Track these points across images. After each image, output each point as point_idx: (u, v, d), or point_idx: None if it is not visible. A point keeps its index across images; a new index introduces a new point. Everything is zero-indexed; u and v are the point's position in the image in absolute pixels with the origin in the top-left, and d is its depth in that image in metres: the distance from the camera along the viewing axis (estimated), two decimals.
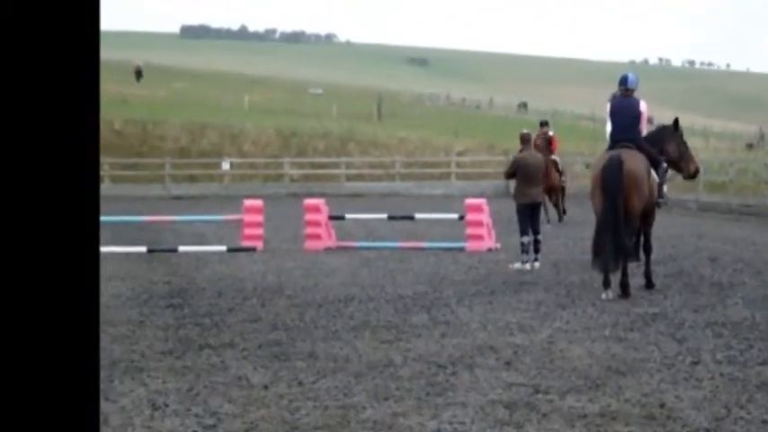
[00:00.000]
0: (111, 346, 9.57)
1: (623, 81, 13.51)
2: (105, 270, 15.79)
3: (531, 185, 16.10)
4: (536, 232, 16.07)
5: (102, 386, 7.93)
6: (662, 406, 7.27)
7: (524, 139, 16.47)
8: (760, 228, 23.69)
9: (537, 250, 15.93)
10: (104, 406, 7.34)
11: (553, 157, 23.98)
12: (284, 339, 9.96)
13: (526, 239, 15.86)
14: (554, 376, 8.22)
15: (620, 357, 8.97)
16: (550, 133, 24.41)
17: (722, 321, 10.83)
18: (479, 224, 18.72)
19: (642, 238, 13.73)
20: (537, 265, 15.73)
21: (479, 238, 18.57)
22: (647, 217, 13.53)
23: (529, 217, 16.12)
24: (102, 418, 7.04)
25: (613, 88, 13.75)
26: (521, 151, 16.43)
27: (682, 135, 14.43)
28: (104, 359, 8.92)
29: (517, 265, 15.69)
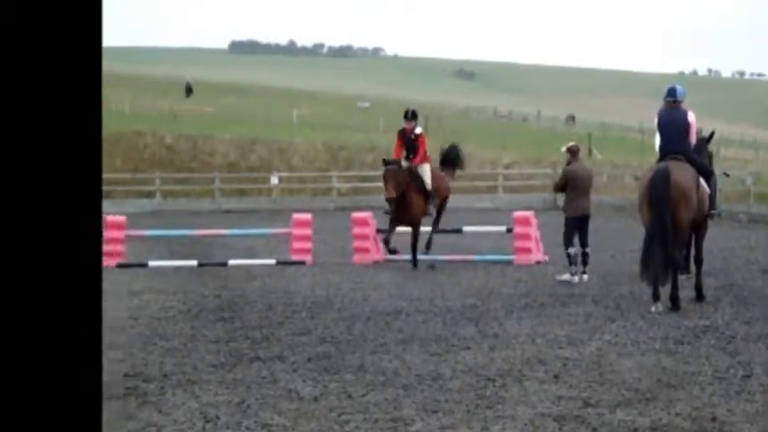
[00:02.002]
0: (163, 359, 9.68)
1: (671, 92, 13.43)
2: (156, 284, 15.98)
3: (581, 198, 16.05)
4: (584, 245, 16.00)
5: (155, 398, 8.05)
6: (714, 419, 7.22)
7: (573, 152, 16.42)
8: None
9: (585, 263, 15.86)
10: (157, 418, 7.44)
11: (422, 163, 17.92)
12: (333, 352, 10.02)
13: (573, 251, 15.79)
14: (604, 389, 8.20)
15: (671, 370, 8.92)
16: (418, 130, 18.02)
17: None
18: (527, 237, 18.68)
19: (693, 250, 13.63)
20: (585, 277, 15.65)
21: (527, 250, 18.53)
22: (698, 229, 13.44)
23: (578, 229, 16.06)
24: (155, 431, 7.14)
25: (662, 100, 13.67)
26: (569, 163, 16.38)
27: (707, 148, 14.41)
28: (157, 372, 9.05)
29: (565, 277, 15.63)
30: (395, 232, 17.90)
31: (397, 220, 17.68)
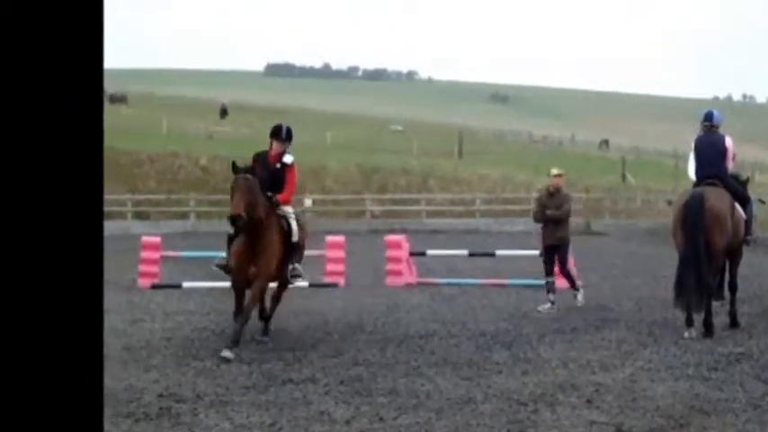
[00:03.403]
0: (196, 379, 9.75)
1: (708, 117, 13.41)
2: (189, 305, 16.07)
3: (556, 225, 15.49)
4: (549, 273, 15.55)
5: (188, 419, 8.11)
6: None
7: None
8: None
9: (551, 291, 15.45)
10: None
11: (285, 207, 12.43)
12: (365, 375, 10.04)
13: (550, 279, 15.49)
14: (636, 415, 8.17)
15: (704, 397, 8.88)
16: (288, 159, 12.43)
17: None
18: None
19: (727, 276, 13.56)
20: (546, 307, 15.25)
21: (559, 275, 18.47)
22: (733, 255, 13.37)
23: (553, 256, 15.60)
24: None
25: (696, 125, 13.65)
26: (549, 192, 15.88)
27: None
28: (190, 392, 9.11)
29: (546, 306, 15.30)
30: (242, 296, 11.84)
31: (242, 255, 11.64)
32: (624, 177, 53.16)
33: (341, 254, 19.71)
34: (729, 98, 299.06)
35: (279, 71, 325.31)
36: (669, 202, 32.12)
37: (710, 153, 13.16)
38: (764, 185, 48.44)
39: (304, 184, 46.84)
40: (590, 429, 7.69)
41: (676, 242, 12.91)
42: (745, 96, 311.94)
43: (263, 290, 12.23)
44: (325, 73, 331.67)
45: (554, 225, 15.44)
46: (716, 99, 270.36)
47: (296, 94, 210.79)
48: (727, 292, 13.49)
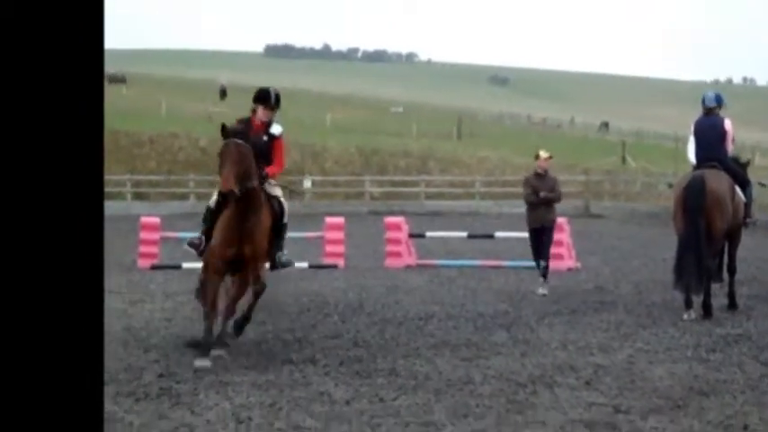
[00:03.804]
0: (196, 359, 9.76)
1: (708, 99, 13.43)
2: (190, 286, 16.07)
3: (541, 208, 15.29)
4: (543, 257, 15.30)
5: (188, 399, 8.13)
6: (745, 428, 7.21)
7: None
8: None
9: (544, 276, 15.22)
10: (190, 419, 7.52)
11: None
12: (365, 356, 10.06)
13: (541, 262, 15.24)
14: (635, 396, 8.20)
15: (703, 378, 8.91)
16: (276, 130, 10.57)
17: None
18: (559, 243, 18.64)
19: (726, 259, 13.58)
20: (541, 291, 15.06)
21: (559, 257, 18.50)
22: (732, 237, 13.39)
23: (538, 240, 15.36)
24: (188, 431, 7.21)
25: (697, 107, 13.65)
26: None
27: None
28: (190, 373, 9.13)
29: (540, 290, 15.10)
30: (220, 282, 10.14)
31: (231, 231, 9.73)
32: (624, 160, 53.17)
33: (340, 235, 19.72)
34: (730, 81, 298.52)
35: (278, 52, 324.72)
36: (669, 185, 32.12)
37: (710, 136, 13.16)
38: (764, 168, 48.42)
39: (304, 165, 46.85)
40: (588, 410, 7.71)
41: (676, 225, 12.92)
42: (745, 79, 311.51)
43: (260, 275, 10.08)
44: (325, 54, 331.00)
45: (545, 207, 15.31)
46: (716, 82, 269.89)
47: (295, 75, 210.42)
48: (725, 275, 13.52)
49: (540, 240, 15.36)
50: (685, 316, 12.36)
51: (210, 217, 10.11)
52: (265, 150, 10.24)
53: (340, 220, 20.29)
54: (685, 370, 9.29)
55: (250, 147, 9.61)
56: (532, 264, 15.71)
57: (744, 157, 15.53)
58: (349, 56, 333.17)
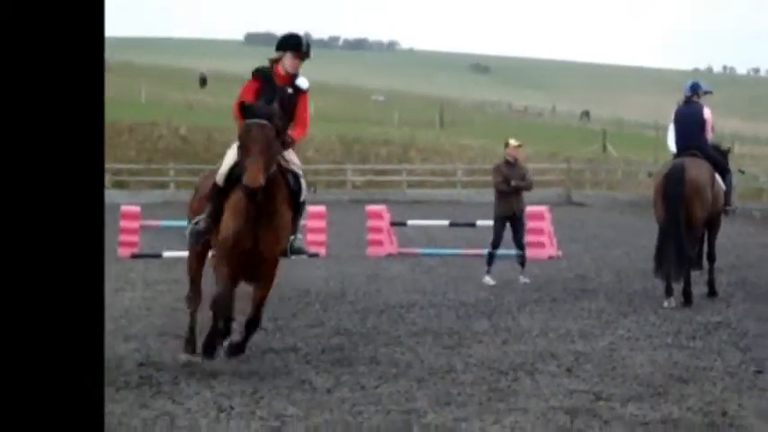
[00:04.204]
0: (177, 348, 9.73)
1: (684, 88, 13.54)
2: (169, 274, 16.04)
3: (510, 196, 15.14)
4: (518, 246, 15.25)
5: (169, 388, 8.11)
6: (724, 414, 7.24)
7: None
8: None
9: (522, 264, 15.24)
10: (171, 407, 7.50)
11: None
12: (347, 344, 10.06)
13: (494, 252, 15.15)
14: (615, 383, 8.23)
15: (683, 365, 8.95)
16: (303, 83, 9.11)
17: None
18: (541, 232, 18.71)
19: (706, 246, 13.64)
20: (523, 279, 15.08)
21: (541, 245, 18.55)
22: (711, 225, 13.44)
23: (510, 229, 15.24)
24: (169, 420, 7.19)
25: (677, 96, 13.71)
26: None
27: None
28: (171, 361, 9.10)
29: (486, 279, 15.05)
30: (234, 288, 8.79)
31: (246, 221, 8.25)
32: (605, 148, 53.30)
33: (322, 224, 19.71)
34: (710, 69, 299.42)
35: (259, 40, 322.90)
36: (650, 174, 32.25)
37: (690, 124, 13.21)
38: (744, 156, 48.66)
39: None
40: (570, 397, 7.73)
41: (657, 213, 12.97)
42: (725, 68, 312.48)
43: (266, 294, 8.88)
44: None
45: (515, 196, 15.18)
46: (696, 70, 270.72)
47: None
48: (705, 262, 13.57)
49: (503, 229, 15.26)
50: (666, 303, 12.41)
51: (217, 197, 8.49)
52: (289, 107, 8.78)
53: (321, 208, 20.27)
54: (665, 357, 9.33)
55: (274, 129, 8.12)
56: (513, 252, 15.72)
57: (724, 146, 15.59)
58: (330, 44, 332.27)
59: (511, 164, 15.31)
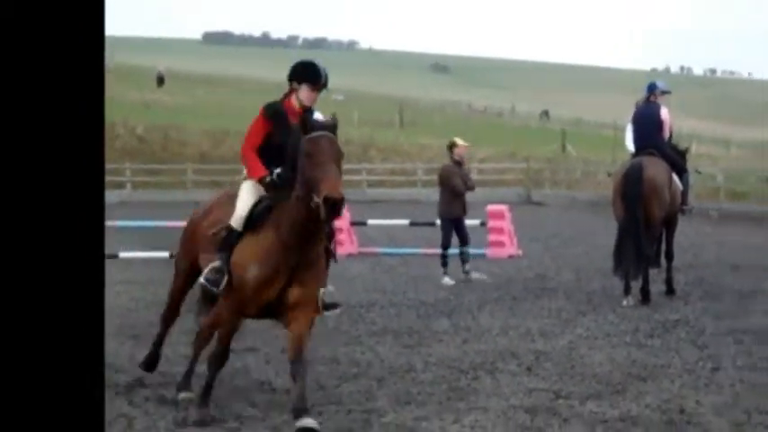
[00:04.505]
0: (134, 350, 9.65)
1: (650, 88, 13.65)
2: (127, 275, 15.91)
3: (456, 199, 15.16)
4: (463, 243, 15.28)
5: (126, 390, 8.02)
6: (682, 411, 7.29)
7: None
8: None
9: (465, 261, 15.27)
10: (129, 410, 7.42)
11: None
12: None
13: (447, 252, 15.15)
14: (575, 382, 8.26)
15: (641, 363, 9.00)
16: (321, 116, 7.63)
17: (743, 329, 10.83)
18: (501, 231, 18.76)
19: (664, 245, 13.73)
20: (474, 275, 15.16)
21: (501, 244, 18.61)
22: (669, 224, 13.54)
23: (454, 230, 15.29)
24: (126, 422, 7.11)
25: (635, 96, 13.80)
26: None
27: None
28: (130, 363, 9.01)
29: (445, 280, 14.96)
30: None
31: (268, 276, 6.92)
32: (564, 148, 53.58)
33: None
34: (668, 70, 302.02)
35: (217, 39, 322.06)
36: (609, 174, 32.41)
37: (647, 124, 13.32)
38: (702, 156, 49.14)
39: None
40: (529, 396, 7.75)
41: (616, 212, 13.05)
42: (682, 68, 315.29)
43: (304, 344, 7.18)
44: (265, 42, 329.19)
45: (461, 196, 15.20)
46: (654, 71, 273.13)
47: (234, 62, 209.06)
48: (663, 261, 13.67)
49: (460, 228, 15.26)
50: (624, 302, 12.48)
51: (238, 235, 7.12)
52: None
53: None
54: (624, 355, 9.38)
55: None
56: (473, 251, 15.73)
57: (682, 145, 15.72)
58: (289, 43, 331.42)
59: (459, 164, 15.33)
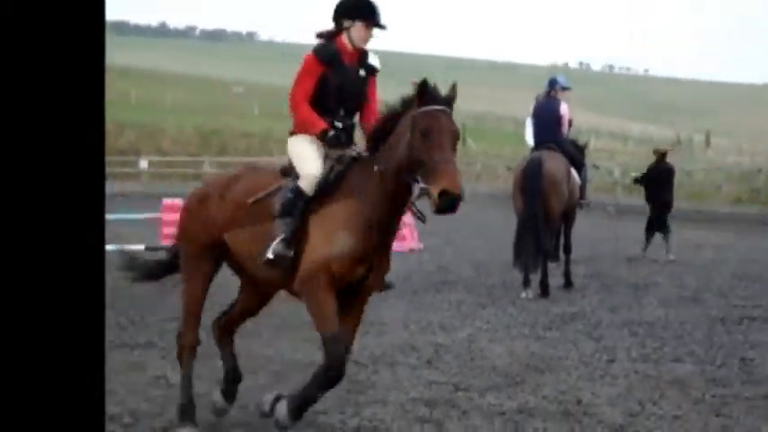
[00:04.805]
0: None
1: (551, 83, 13.82)
2: None
3: None
4: None
5: None
6: (578, 402, 7.37)
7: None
8: (675, 230, 24.15)
9: None
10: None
11: None
12: (204, 338, 9.83)
13: None
14: (474, 374, 8.29)
15: (539, 355, 9.08)
16: (375, 61, 6.83)
17: (637, 321, 11.03)
18: (401, 224, 18.79)
19: (562, 239, 13.91)
20: None
21: (402, 238, 18.61)
22: (567, 218, 13.72)
23: None
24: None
25: (534, 91, 13.95)
26: None
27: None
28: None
29: None
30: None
31: (358, 252, 6.11)
32: (465, 142, 54.02)
33: (178, 217, 19.35)
34: (566, 65, 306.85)
35: (113, 29, 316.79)
36: (509, 168, 32.80)
37: (547, 119, 13.48)
38: (600, 151, 50.02)
39: (139, 145, 45.87)
40: (429, 389, 7.75)
41: (515, 206, 13.16)
42: (581, 64, 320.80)
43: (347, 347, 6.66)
44: (162, 32, 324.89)
45: None
46: (553, 66, 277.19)
47: (132, 53, 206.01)
48: (562, 254, 13.84)
49: None
50: (523, 294, 12.60)
51: (303, 210, 6.15)
52: (359, 91, 6.56)
53: (178, 201, 19.90)
54: (523, 347, 9.46)
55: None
56: None
57: (581, 141, 15.96)
58: (187, 34, 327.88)
59: None
